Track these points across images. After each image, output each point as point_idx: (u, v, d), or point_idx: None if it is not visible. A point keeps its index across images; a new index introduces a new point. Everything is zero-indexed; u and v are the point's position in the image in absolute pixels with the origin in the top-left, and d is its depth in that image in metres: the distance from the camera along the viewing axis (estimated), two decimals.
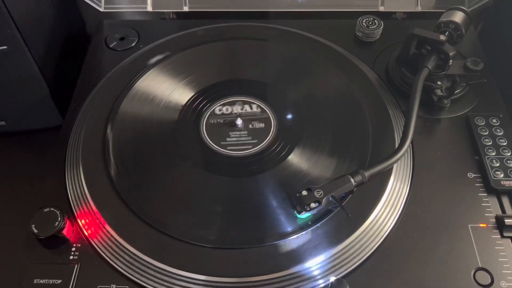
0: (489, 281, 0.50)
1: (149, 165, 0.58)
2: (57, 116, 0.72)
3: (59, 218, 0.51)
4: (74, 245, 0.52)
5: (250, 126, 0.61)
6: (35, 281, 0.49)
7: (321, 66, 0.68)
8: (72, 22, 0.82)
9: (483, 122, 0.62)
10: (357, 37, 0.73)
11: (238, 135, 0.61)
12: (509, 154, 0.59)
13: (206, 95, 0.65)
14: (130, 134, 0.61)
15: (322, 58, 0.69)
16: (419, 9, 0.78)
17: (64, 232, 0.51)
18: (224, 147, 0.60)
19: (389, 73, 0.68)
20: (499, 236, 0.53)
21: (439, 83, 0.63)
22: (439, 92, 0.63)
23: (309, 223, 0.52)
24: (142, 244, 0.51)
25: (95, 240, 0.52)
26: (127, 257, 0.50)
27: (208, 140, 0.60)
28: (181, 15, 0.80)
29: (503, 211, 0.55)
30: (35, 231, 0.50)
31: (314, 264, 0.49)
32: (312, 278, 0.49)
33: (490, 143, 0.60)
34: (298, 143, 0.60)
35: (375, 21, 0.73)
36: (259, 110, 0.63)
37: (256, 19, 0.76)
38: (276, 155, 0.59)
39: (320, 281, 0.49)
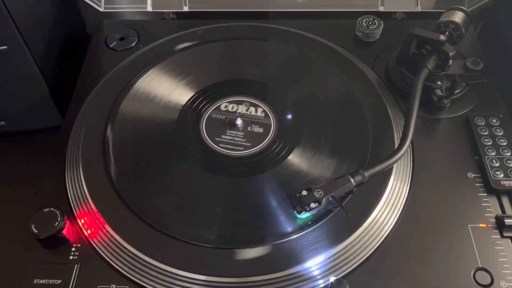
0: (489, 281, 0.50)
1: (149, 165, 0.58)
2: (57, 116, 0.72)
3: (59, 218, 0.51)
4: (74, 245, 0.52)
5: (249, 128, 0.61)
6: (35, 281, 0.49)
7: (321, 66, 0.68)
8: (72, 22, 0.82)
9: (483, 122, 0.62)
10: (357, 37, 0.73)
11: (234, 135, 0.61)
12: (509, 154, 0.59)
13: (206, 95, 0.65)
14: (130, 134, 0.61)
15: (322, 58, 0.69)
16: (419, 9, 0.78)
17: (64, 232, 0.51)
18: (216, 143, 0.60)
19: (389, 73, 0.68)
20: (499, 236, 0.53)
21: (439, 83, 0.63)
22: (439, 92, 0.63)
23: (309, 223, 0.52)
24: (142, 244, 0.51)
25: (95, 240, 0.52)
26: (127, 257, 0.50)
27: (208, 140, 0.60)
28: (181, 15, 0.80)
29: (503, 211, 0.55)
30: (35, 231, 0.50)
31: (314, 264, 0.49)
32: (312, 278, 0.49)
33: (490, 143, 0.60)
34: (298, 143, 0.60)
35: (375, 21, 0.73)
36: (262, 114, 0.62)
37: (256, 19, 0.76)
38: (276, 155, 0.59)
39: (320, 281, 0.49)
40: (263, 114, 0.63)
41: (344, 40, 0.73)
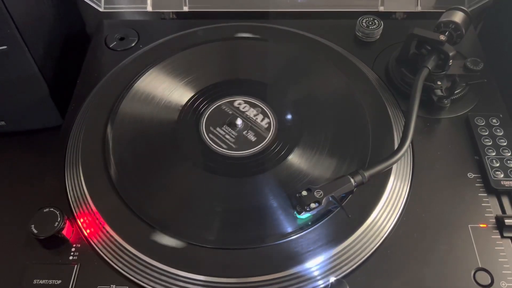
0: (489, 281, 0.50)
1: (149, 165, 0.58)
2: (57, 116, 0.72)
3: (59, 218, 0.51)
4: (74, 245, 0.52)
5: (244, 132, 0.61)
6: (34, 281, 0.49)
7: (321, 66, 0.68)
8: (72, 22, 0.82)
9: (483, 122, 0.62)
10: (357, 37, 0.73)
11: (227, 132, 0.61)
12: (509, 154, 0.59)
13: (206, 95, 0.65)
14: (130, 134, 0.61)
15: (322, 58, 0.69)
16: (419, 9, 0.78)
17: (64, 232, 0.51)
18: (216, 143, 0.60)
19: (389, 73, 0.68)
20: (499, 236, 0.53)
21: (439, 83, 0.63)
22: (439, 92, 0.63)
23: (309, 223, 0.52)
24: (142, 244, 0.51)
25: (95, 240, 0.52)
26: (126, 257, 0.50)
27: (208, 140, 0.60)
28: (181, 15, 0.80)
29: (503, 211, 0.55)
30: (35, 231, 0.50)
31: (314, 265, 0.49)
32: (312, 279, 0.49)
33: (490, 143, 0.60)
34: (298, 143, 0.60)
35: (375, 21, 0.73)
36: (263, 121, 0.62)
37: (256, 19, 0.76)
38: (276, 155, 0.59)
39: (320, 282, 0.49)
40: (263, 121, 0.62)
41: (344, 40, 0.73)
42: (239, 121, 0.61)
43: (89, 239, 0.52)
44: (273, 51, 0.71)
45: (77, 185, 0.56)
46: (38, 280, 0.49)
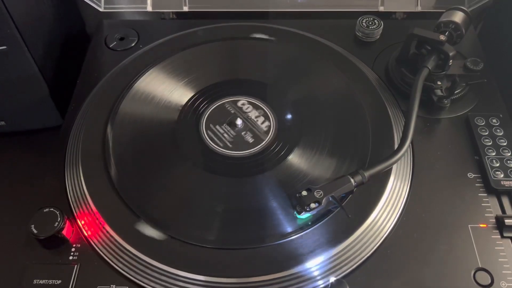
0: (489, 281, 0.50)
1: (149, 165, 0.58)
2: (56, 116, 0.72)
3: (59, 218, 0.51)
4: (74, 245, 0.52)
5: (244, 132, 0.61)
6: (34, 281, 0.49)
7: (321, 66, 0.68)
8: (72, 22, 0.82)
9: (483, 122, 0.62)
10: (357, 37, 0.73)
11: (227, 132, 0.61)
12: (509, 154, 0.59)
13: (206, 95, 0.65)
14: (130, 134, 0.61)
15: (322, 58, 0.69)
16: (419, 9, 0.78)
17: (64, 232, 0.51)
18: (207, 132, 0.60)
19: (389, 73, 0.67)
20: (499, 236, 0.53)
21: (439, 83, 0.63)
22: (439, 92, 0.63)
23: (309, 223, 0.52)
24: (142, 244, 0.51)
25: (95, 240, 0.52)
26: (126, 258, 0.50)
27: (208, 140, 0.60)
28: (181, 15, 0.80)
29: (503, 211, 0.55)
30: (35, 231, 0.50)
31: (314, 265, 0.49)
32: (312, 279, 0.49)
33: (490, 143, 0.60)
34: (298, 143, 0.60)
35: (375, 21, 0.73)
36: (263, 122, 0.62)
37: (256, 19, 0.76)
38: (276, 155, 0.59)
39: (320, 282, 0.49)
40: (263, 124, 0.62)
41: (344, 40, 0.73)
42: (239, 121, 0.61)
43: (89, 239, 0.52)
44: (273, 51, 0.71)
45: (77, 185, 0.56)
46: (38, 280, 0.49)
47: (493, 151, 0.59)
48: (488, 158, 0.58)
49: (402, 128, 0.57)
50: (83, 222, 0.53)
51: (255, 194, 0.55)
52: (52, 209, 0.52)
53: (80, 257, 0.51)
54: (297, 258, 0.49)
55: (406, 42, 0.65)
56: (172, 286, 0.49)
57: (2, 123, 0.71)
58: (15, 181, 0.68)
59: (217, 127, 0.62)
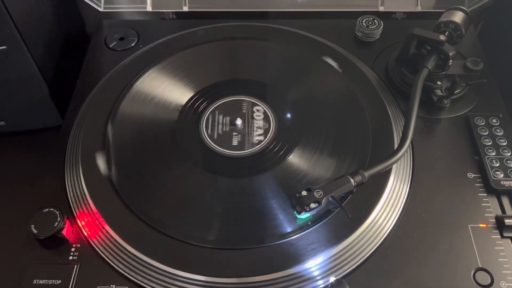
0: (489, 281, 0.50)
1: (149, 165, 0.58)
2: (56, 116, 0.72)
3: (59, 219, 0.51)
4: (74, 245, 0.52)
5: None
6: (34, 281, 0.49)
7: (321, 66, 0.68)
8: (72, 22, 0.82)
9: (483, 122, 0.62)
10: (357, 37, 0.73)
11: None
12: (509, 154, 0.59)
13: (206, 95, 0.65)
14: (130, 134, 0.61)
15: (322, 58, 0.69)
16: (419, 9, 0.78)
17: (64, 232, 0.51)
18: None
19: (389, 73, 0.67)
20: (499, 236, 0.53)
21: (439, 83, 0.63)
22: (439, 92, 0.63)
23: (309, 223, 0.52)
24: (142, 244, 0.51)
25: (95, 240, 0.52)
26: (126, 258, 0.50)
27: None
28: (181, 15, 0.80)
29: (503, 211, 0.55)
30: (35, 231, 0.50)
31: (314, 265, 0.49)
32: (312, 279, 0.49)
33: (490, 143, 0.60)
34: (298, 143, 0.60)
35: (375, 21, 0.73)
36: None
37: (256, 19, 0.75)
38: (276, 155, 0.59)
39: (320, 282, 0.49)
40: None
41: (344, 40, 0.73)
42: (239, 121, 0.61)
43: (89, 239, 0.52)
44: (273, 51, 0.71)
45: (77, 185, 0.56)
46: (38, 280, 0.49)
47: (493, 151, 0.59)
48: (488, 158, 0.58)
49: (402, 128, 0.57)
50: (83, 222, 0.53)
51: (255, 194, 0.55)
52: (52, 209, 0.52)
53: (80, 257, 0.51)
54: (297, 258, 0.49)
55: (406, 42, 0.65)
56: (172, 286, 0.49)
57: (2, 123, 0.71)
58: (15, 181, 0.68)
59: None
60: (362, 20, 0.73)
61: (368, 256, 0.51)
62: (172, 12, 0.79)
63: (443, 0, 0.76)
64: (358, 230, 0.51)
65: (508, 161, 0.58)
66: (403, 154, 0.54)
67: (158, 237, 0.51)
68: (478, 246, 0.52)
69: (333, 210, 0.52)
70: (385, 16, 0.77)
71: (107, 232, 0.52)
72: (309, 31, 0.73)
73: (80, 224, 0.53)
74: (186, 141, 0.60)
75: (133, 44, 0.73)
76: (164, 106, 0.64)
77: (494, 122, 0.62)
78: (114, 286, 0.49)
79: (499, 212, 0.55)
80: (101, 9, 0.78)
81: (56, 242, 0.51)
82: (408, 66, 0.65)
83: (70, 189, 0.56)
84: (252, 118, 0.63)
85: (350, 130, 0.61)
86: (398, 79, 0.66)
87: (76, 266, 0.50)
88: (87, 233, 0.53)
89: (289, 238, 0.51)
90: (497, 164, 0.58)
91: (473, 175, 0.58)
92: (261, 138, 0.60)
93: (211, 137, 0.61)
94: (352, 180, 0.52)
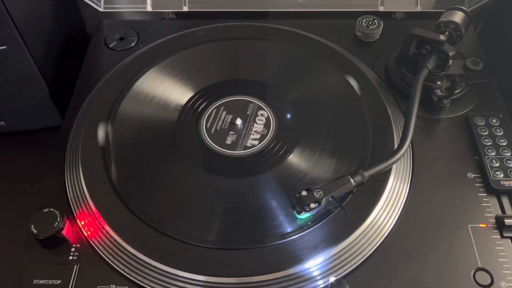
0: (489, 281, 0.50)
1: (149, 165, 0.58)
2: (56, 116, 0.72)
3: (59, 219, 0.51)
4: (74, 245, 0.52)
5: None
6: (34, 281, 0.49)
7: (321, 66, 0.68)
8: (72, 22, 0.82)
9: (483, 122, 0.62)
10: (357, 37, 0.73)
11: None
12: (509, 154, 0.59)
13: (206, 95, 0.65)
14: (130, 134, 0.61)
15: (322, 58, 0.69)
16: (419, 9, 0.78)
17: (64, 232, 0.51)
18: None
19: (389, 73, 0.67)
20: (499, 236, 0.53)
21: (439, 83, 0.62)
22: (439, 92, 0.63)
23: (309, 223, 0.52)
24: (142, 244, 0.51)
25: (95, 240, 0.52)
26: (126, 258, 0.50)
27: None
28: (181, 15, 0.80)
29: (503, 211, 0.55)
30: (35, 231, 0.50)
31: (314, 265, 0.49)
32: (312, 279, 0.49)
33: (490, 143, 0.60)
34: (298, 143, 0.60)
35: (375, 21, 0.73)
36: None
37: (256, 19, 0.75)
38: (276, 155, 0.59)
39: (320, 282, 0.49)
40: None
41: (344, 40, 0.73)
42: (239, 121, 0.61)
43: (89, 239, 0.52)
44: (273, 51, 0.71)
45: (77, 185, 0.56)
46: (38, 280, 0.49)
47: (493, 151, 0.59)
48: (488, 158, 0.58)
49: (402, 128, 0.57)
50: (83, 222, 0.53)
51: (255, 194, 0.55)
52: (52, 209, 0.52)
53: (80, 257, 0.51)
54: (297, 258, 0.49)
55: (406, 42, 0.65)
56: (172, 286, 0.49)
57: (2, 123, 0.71)
58: (15, 181, 0.68)
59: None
60: (362, 20, 0.73)
61: (368, 256, 0.51)
62: (172, 12, 0.79)
63: (443, 0, 0.76)
64: (358, 230, 0.51)
65: (508, 161, 0.58)
66: (403, 154, 0.54)
67: (158, 237, 0.51)
68: (478, 246, 0.52)
69: (333, 210, 0.52)
70: (385, 16, 0.77)
71: (107, 232, 0.52)
72: (309, 31, 0.73)
73: (80, 224, 0.53)
74: (186, 141, 0.60)
75: (133, 44, 0.73)
76: (164, 106, 0.64)
77: (494, 122, 0.62)
78: (114, 286, 0.49)
79: (499, 212, 0.55)
80: (101, 9, 0.78)
81: (56, 242, 0.51)
82: (408, 66, 0.65)
83: (70, 189, 0.56)
84: (254, 121, 0.62)
85: (350, 130, 0.61)
86: (398, 79, 0.66)
87: (76, 266, 0.50)
88: (87, 233, 0.53)
89: (289, 238, 0.51)
90: (497, 164, 0.58)
91: (473, 175, 0.58)
92: (261, 138, 0.60)
93: (211, 137, 0.61)
94: (352, 180, 0.52)
